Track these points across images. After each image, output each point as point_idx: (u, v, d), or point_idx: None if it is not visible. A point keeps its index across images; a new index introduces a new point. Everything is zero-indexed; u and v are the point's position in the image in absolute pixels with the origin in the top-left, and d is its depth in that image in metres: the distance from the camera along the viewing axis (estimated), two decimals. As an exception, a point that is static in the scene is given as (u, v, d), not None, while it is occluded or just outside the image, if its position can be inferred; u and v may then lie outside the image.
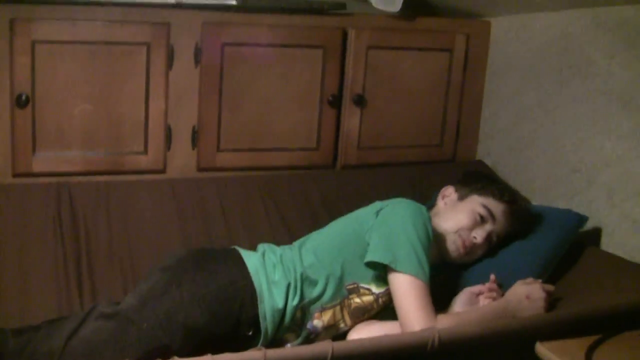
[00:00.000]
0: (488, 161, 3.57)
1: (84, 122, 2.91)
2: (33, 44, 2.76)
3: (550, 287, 2.40)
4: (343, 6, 3.22)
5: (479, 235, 2.61)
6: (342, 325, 2.47)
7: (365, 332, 2.37)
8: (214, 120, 3.09)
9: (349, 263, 2.46)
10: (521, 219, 2.75)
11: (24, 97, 2.78)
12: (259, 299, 2.37)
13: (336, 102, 3.26)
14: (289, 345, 2.42)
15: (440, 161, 3.55)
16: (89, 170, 2.95)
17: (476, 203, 2.66)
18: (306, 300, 2.42)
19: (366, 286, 2.47)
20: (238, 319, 2.33)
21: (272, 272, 2.45)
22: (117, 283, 2.72)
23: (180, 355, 1.94)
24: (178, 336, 2.21)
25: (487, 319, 2.26)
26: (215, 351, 1.86)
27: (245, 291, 2.37)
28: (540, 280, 2.44)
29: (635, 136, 2.76)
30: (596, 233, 2.92)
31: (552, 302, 2.39)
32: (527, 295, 2.34)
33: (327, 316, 2.45)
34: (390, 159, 3.43)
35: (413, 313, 2.26)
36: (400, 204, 2.52)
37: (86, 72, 2.87)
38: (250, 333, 2.35)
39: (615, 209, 2.85)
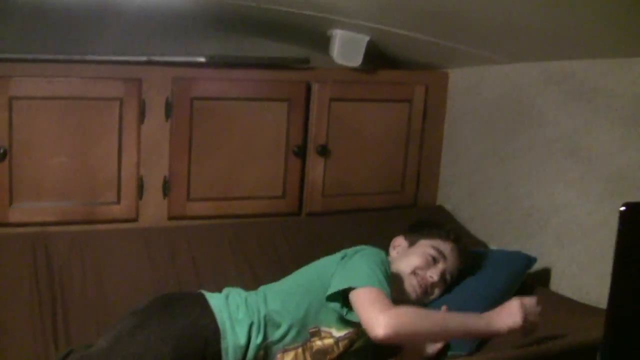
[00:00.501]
0: (448, 206, 3.69)
1: (60, 174, 3.02)
2: (10, 99, 2.88)
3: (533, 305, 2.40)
4: (307, 61, 3.36)
5: (434, 274, 2.71)
6: None
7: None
8: (184, 171, 3.20)
9: (313, 308, 2.54)
10: (469, 255, 2.89)
11: (1, 151, 2.89)
12: (222, 335, 2.45)
13: (301, 153, 3.38)
14: None
15: (402, 207, 3.65)
16: (64, 220, 3.05)
17: (426, 246, 2.77)
18: (269, 340, 2.50)
19: (327, 330, 2.56)
20: (203, 356, 2.41)
21: (235, 311, 2.53)
22: (91, 329, 2.78)
23: None
24: None
25: (450, 318, 2.36)
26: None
27: (208, 329, 2.46)
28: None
29: (582, 183, 2.90)
30: (547, 274, 3.05)
31: (511, 337, 2.48)
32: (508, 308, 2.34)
33: (289, 357, 2.53)
34: (354, 205, 3.54)
35: (368, 312, 2.30)
36: (363, 249, 2.62)
37: (62, 126, 2.98)
38: None
39: (564, 252, 2.98)
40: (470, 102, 3.57)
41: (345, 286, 2.43)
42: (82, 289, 2.90)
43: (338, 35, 3.27)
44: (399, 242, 2.89)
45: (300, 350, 2.54)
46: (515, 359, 2.20)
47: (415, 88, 3.59)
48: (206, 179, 3.26)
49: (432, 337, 2.44)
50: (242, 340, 2.46)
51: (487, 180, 3.45)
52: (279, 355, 2.52)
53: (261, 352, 2.50)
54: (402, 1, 2.76)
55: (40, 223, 3.02)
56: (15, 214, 2.98)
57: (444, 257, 2.76)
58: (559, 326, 2.62)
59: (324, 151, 3.42)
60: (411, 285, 2.70)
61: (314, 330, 2.56)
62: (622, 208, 1.63)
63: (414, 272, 2.71)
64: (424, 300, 2.73)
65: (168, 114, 3.14)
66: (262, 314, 2.53)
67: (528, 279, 3.01)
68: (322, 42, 3.36)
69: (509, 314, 2.27)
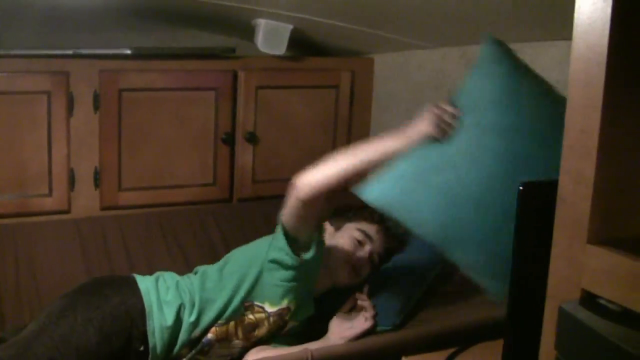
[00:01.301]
0: (377, 189, 3.75)
1: (-11, 168, 3.05)
2: (-63, 95, 2.91)
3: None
4: (232, 50, 3.42)
5: (362, 254, 2.75)
6: (234, 339, 2.61)
7: (253, 355, 2.53)
8: (115, 161, 3.26)
9: (247, 284, 2.59)
10: (396, 235, 2.90)
11: None
12: (147, 316, 2.51)
13: (230, 140, 3.44)
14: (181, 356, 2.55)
15: (332, 191, 3.71)
16: (-5, 214, 3.09)
17: (352, 229, 2.80)
18: (205, 317, 2.56)
19: (260, 304, 2.61)
20: (129, 335, 2.47)
21: (164, 293, 2.59)
22: (25, 318, 2.83)
23: None
24: (72, 357, 2.34)
25: (362, 147, 2.35)
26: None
27: (135, 309, 2.51)
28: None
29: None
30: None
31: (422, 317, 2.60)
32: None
33: (221, 330, 2.58)
34: (284, 191, 3.52)
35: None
36: None
37: (-11, 121, 3.01)
38: (142, 349, 2.48)
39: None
40: (395, 87, 3.64)
41: (278, 231, 2.53)
42: (16, 279, 2.96)
43: (262, 25, 3.31)
44: (326, 227, 2.90)
45: (232, 324, 2.60)
46: (427, 334, 2.31)
47: (342, 74, 3.66)
48: (137, 169, 3.31)
49: (355, 173, 2.30)
50: (169, 321, 2.51)
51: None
52: (212, 330, 2.58)
53: (197, 332, 2.56)
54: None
55: (-29, 217, 3.05)
56: (-54, 208, 3.01)
57: (370, 238, 2.80)
58: (484, 302, 2.74)
59: (252, 138, 3.48)
60: (341, 267, 2.74)
61: (248, 304, 2.61)
62: (521, 187, 1.72)
63: (343, 256, 2.76)
64: (354, 280, 2.77)
65: (96, 106, 3.18)
66: (195, 295, 2.59)
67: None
68: (248, 31, 3.41)
69: (421, 121, 2.22)
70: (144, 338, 2.49)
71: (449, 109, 2.18)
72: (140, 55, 3.23)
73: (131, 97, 3.23)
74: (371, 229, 2.83)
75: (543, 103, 2.18)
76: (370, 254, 2.79)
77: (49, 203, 3.18)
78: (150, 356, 2.49)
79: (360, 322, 2.45)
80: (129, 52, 3.19)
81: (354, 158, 2.31)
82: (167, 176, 3.38)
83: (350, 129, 3.75)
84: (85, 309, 2.47)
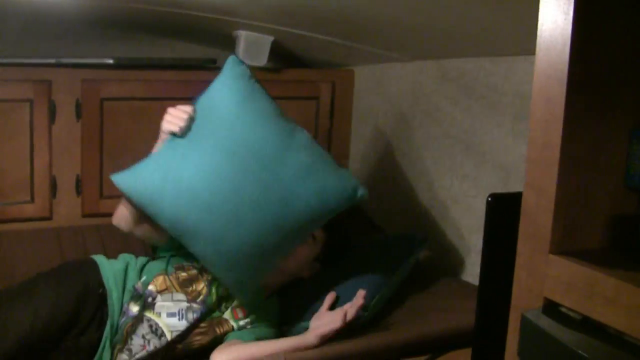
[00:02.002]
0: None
1: (-30, 176, 3.07)
2: None
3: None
4: (214, 61, 3.46)
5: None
6: (175, 292, 2.66)
7: (226, 353, 2.52)
8: (97, 169, 3.29)
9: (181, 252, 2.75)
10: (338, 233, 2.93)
11: None
12: (100, 266, 2.69)
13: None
14: (132, 311, 2.61)
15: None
16: (-25, 220, 3.11)
17: None
18: (144, 271, 2.73)
19: (191, 264, 2.74)
20: (85, 284, 2.61)
21: (114, 259, 2.80)
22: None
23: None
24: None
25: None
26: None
27: (87, 263, 2.74)
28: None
29: (475, 175, 3.04)
30: (450, 264, 3.19)
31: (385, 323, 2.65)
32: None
33: (158, 282, 2.67)
34: None
35: None
36: None
37: (-29, 129, 3.04)
38: (101, 291, 2.60)
39: (464, 242, 3.12)
40: (374, 99, 3.69)
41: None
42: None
43: (242, 36, 3.35)
44: None
45: (165, 276, 2.70)
46: (397, 342, 2.33)
47: (322, 85, 3.70)
48: (118, 177, 3.33)
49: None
50: (120, 267, 2.73)
51: (392, 176, 3.56)
52: (152, 282, 2.68)
53: (139, 283, 2.69)
54: (300, 6, 2.84)
55: (-50, 223, 3.07)
56: None
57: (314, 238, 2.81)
58: (453, 309, 2.78)
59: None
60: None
61: (178, 265, 2.74)
62: (489, 199, 1.77)
63: None
64: (301, 275, 2.86)
65: (78, 115, 3.22)
66: (140, 259, 2.81)
67: (430, 267, 3.15)
68: (229, 43, 3.44)
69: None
70: (99, 283, 2.64)
71: (186, 108, 2.56)
72: (122, 65, 3.27)
73: (113, 107, 3.27)
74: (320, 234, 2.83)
75: (271, 123, 2.56)
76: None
77: (30, 210, 3.21)
78: (108, 305, 2.59)
79: (338, 317, 2.47)
80: (111, 61, 3.23)
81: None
82: (148, 185, 3.39)
83: (331, 140, 3.79)
84: (43, 283, 2.61)
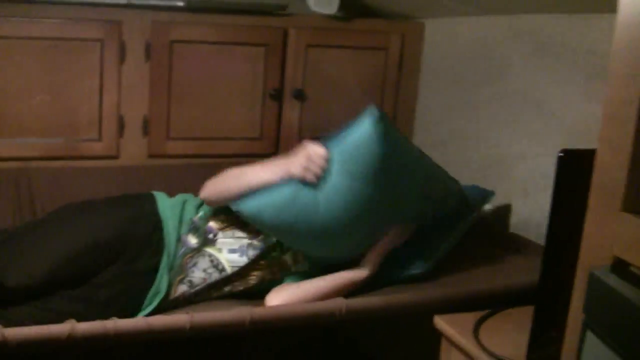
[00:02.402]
0: (421, 153, 3.78)
1: (42, 112, 3.13)
2: (-7, 39, 2.99)
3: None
4: (284, 7, 3.44)
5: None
6: (235, 228, 2.69)
7: (282, 294, 2.55)
8: (164, 111, 3.32)
9: None
10: None
11: (-17, 88, 3.00)
12: (157, 198, 2.75)
13: (278, 96, 3.49)
14: (190, 242, 2.65)
15: (377, 151, 3.74)
16: (47, 156, 3.18)
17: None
18: (205, 208, 2.76)
19: None
20: (140, 207, 2.69)
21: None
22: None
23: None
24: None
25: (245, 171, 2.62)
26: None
27: (144, 194, 2.80)
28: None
29: (546, 134, 3.00)
30: (513, 221, 3.17)
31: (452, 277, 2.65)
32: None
33: (220, 219, 2.71)
34: None
35: None
36: None
37: (43, 66, 3.08)
38: (155, 218, 2.65)
39: (529, 200, 3.09)
40: (444, 53, 3.65)
41: None
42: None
43: (314, -17, 3.34)
44: None
45: (227, 215, 2.72)
46: (460, 295, 2.34)
47: (392, 37, 3.66)
48: (185, 120, 3.37)
49: (238, 194, 2.59)
50: (175, 202, 2.77)
51: (458, 129, 3.55)
52: (212, 219, 2.72)
53: (198, 217, 2.72)
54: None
55: (23, 158, 3.14)
56: (1, 149, 3.10)
57: None
58: (514, 266, 2.78)
59: (300, 95, 3.52)
60: None
61: None
62: (561, 154, 1.75)
63: None
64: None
65: (148, 56, 3.23)
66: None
67: (495, 223, 3.14)
68: (300, -11, 3.44)
69: (294, 161, 2.51)
70: (155, 212, 2.68)
71: (322, 152, 2.49)
72: (192, 8, 3.27)
73: (182, 49, 3.28)
74: None
75: (409, 177, 2.61)
76: None
77: (98, 148, 3.25)
78: (164, 233, 2.62)
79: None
80: (181, 4, 3.24)
81: (239, 182, 2.60)
82: (215, 128, 3.44)
83: (398, 93, 3.77)
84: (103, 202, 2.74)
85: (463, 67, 3.50)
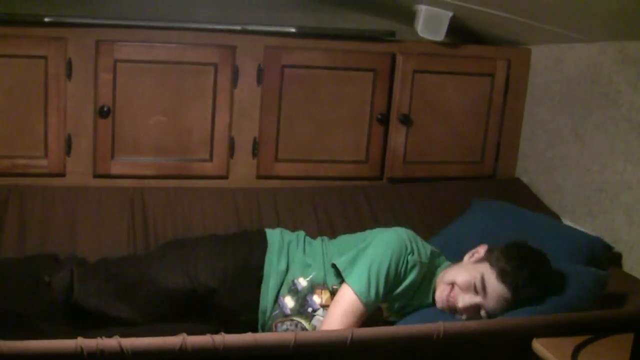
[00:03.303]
0: (525, 179, 3.80)
1: (157, 132, 3.27)
2: (115, 62, 3.14)
3: None
4: (393, 34, 3.51)
5: (462, 300, 2.60)
6: None
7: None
8: (273, 133, 3.41)
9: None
10: (522, 301, 2.57)
11: (105, 109, 3.15)
12: (268, 246, 2.77)
13: (384, 120, 3.54)
14: (287, 306, 2.68)
15: (481, 177, 3.77)
16: (160, 174, 3.32)
17: (482, 271, 2.60)
18: (310, 271, 2.75)
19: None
20: (246, 260, 2.72)
21: (287, 238, 2.86)
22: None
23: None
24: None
25: None
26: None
27: (256, 237, 2.84)
28: None
29: (652, 162, 2.98)
30: (619, 253, 3.12)
31: None
32: None
33: (325, 296, 2.69)
34: (434, 173, 3.68)
35: (333, 318, 2.54)
36: (396, 231, 2.72)
37: (160, 89, 3.22)
38: (260, 275, 2.70)
39: (634, 228, 3.05)
40: (550, 79, 3.64)
41: (341, 268, 2.64)
42: (174, 237, 3.10)
43: (423, 10, 3.40)
44: (481, 252, 2.75)
45: (328, 290, 2.71)
46: (560, 320, 2.32)
47: (498, 63, 3.68)
48: (293, 142, 3.46)
49: None
50: (283, 265, 2.75)
51: (563, 155, 3.53)
52: (317, 290, 2.71)
53: (301, 281, 2.73)
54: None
55: (138, 176, 3.28)
56: (117, 167, 3.25)
57: (485, 293, 2.57)
58: (623, 296, 2.76)
59: (406, 120, 3.56)
60: (441, 294, 2.68)
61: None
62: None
63: (450, 284, 2.66)
64: (451, 315, 2.67)
65: (259, 80, 3.33)
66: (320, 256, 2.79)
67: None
68: (407, 16, 3.50)
69: None
70: (259, 265, 2.73)
71: None
72: (304, 33, 3.37)
73: (293, 73, 3.37)
74: (495, 286, 2.57)
75: None
76: (475, 306, 2.59)
77: (209, 168, 3.36)
78: (261, 290, 2.69)
79: None
80: (293, 30, 3.34)
81: None
82: (322, 151, 3.51)
83: (503, 118, 3.77)
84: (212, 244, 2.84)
85: (570, 93, 3.49)
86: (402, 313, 2.70)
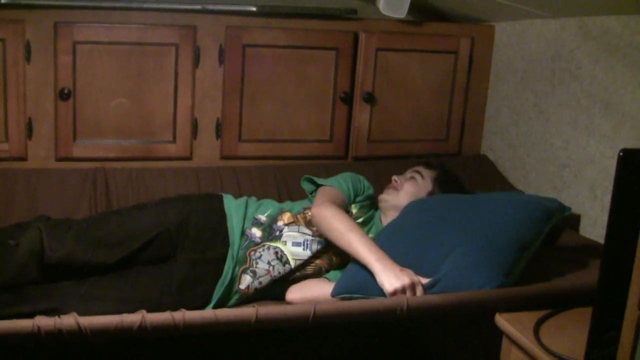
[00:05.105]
0: (491, 156, 3.83)
1: (119, 114, 3.24)
2: (74, 44, 3.11)
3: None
4: (355, 12, 3.50)
5: (404, 177, 3.09)
6: (300, 225, 2.85)
7: (305, 289, 2.69)
8: (236, 113, 3.40)
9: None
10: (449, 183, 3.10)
11: (66, 91, 3.13)
12: (223, 197, 2.95)
13: (348, 99, 3.54)
14: (255, 235, 2.81)
15: (446, 154, 3.77)
16: (123, 157, 3.29)
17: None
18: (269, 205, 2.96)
19: None
20: (210, 204, 2.90)
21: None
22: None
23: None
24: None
25: (356, 239, 2.55)
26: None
27: (212, 194, 3.02)
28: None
29: (615, 135, 2.98)
30: (580, 223, 3.17)
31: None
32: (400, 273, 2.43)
33: (285, 217, 2.88)
34: (399, 151, 3.69)
35: (316, 200, 2.80)
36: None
37: (121, 70, 3.20)
38: (221, 214, 2.84)
39: (597, 202, 3.09)
40: (514, 55, 3.65)
41: (319, 183, 2.97)
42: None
43: (384, -12, 3.39)
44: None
45: (291, 214, 2.90)
46: (522, 294, 2.34)
47: (461, 40, 3.68)
48: (257, 122, 3.45)
49: (341, 246, 2.60)
50: (240, 200, 2.96)
51: (527, 132, 3.55)
52: (279, 217, 2.89)
53: (261, 214, 2.90)
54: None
55: (101, 159, 3.26)
56: (79, 150, 3.23)
57: (422, 176, 3.08)
58: (578, 266, 2.78)
59: (370, 98, 3.56)
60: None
61: (307, 206, 2.92)
62: (620, 153, 1.75)
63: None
64: (395, 201, 3.01)
65: (221, 60, 3.32)
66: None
67: (561, 225, 3.09)
68: (370, -6, 3.48)
69: (395, 277, 2.37)
70: (222, 209, 2.88)
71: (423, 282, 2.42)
72: (265, 12, 3.35)
73: (254, 53, 3.36)
74: (425, 172, 3.09)
75: None
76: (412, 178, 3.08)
77: (173, 149, 3.35)
78: (228, 227, 2.80)
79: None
80: (254, 9, 3.32)
81: (346, 240, 2.57)
82: (285, 130, 3.50)
83: (467, 95, 3.79)
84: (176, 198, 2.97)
85: (532, 70, 3.50)
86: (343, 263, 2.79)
